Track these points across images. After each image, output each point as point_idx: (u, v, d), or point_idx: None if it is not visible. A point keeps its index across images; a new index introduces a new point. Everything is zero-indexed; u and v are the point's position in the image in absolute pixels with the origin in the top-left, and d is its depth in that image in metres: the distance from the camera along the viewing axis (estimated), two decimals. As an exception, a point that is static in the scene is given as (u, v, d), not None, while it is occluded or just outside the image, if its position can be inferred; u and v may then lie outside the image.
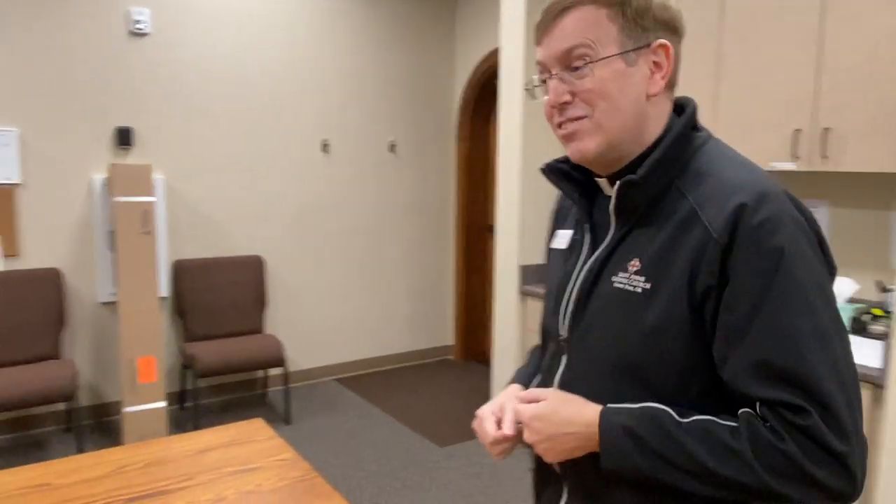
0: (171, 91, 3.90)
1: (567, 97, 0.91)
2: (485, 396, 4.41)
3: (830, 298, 0.84)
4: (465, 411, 4.17)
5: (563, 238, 1.09)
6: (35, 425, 3.71)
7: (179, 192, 3.98)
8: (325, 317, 4.62)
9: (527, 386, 1.13)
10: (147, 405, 3.46)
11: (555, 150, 3.49)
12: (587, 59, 0.89)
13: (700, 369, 0.87)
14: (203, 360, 3.62)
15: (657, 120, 0.93)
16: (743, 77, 2.72)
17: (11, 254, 3.57)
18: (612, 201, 0.94)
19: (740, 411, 0.84)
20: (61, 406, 3.75)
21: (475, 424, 1.06)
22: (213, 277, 4.05)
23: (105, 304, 3.85)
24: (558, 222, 1.14)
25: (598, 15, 0.88)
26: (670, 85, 0.93)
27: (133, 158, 3.85)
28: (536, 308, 3.44)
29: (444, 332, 5.25)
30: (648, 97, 0.91)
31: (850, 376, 0.82)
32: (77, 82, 3.64)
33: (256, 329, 4.17)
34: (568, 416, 0.93)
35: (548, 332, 1.08)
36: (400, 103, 4.77)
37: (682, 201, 0.89)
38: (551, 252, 1.12)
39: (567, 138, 0.94)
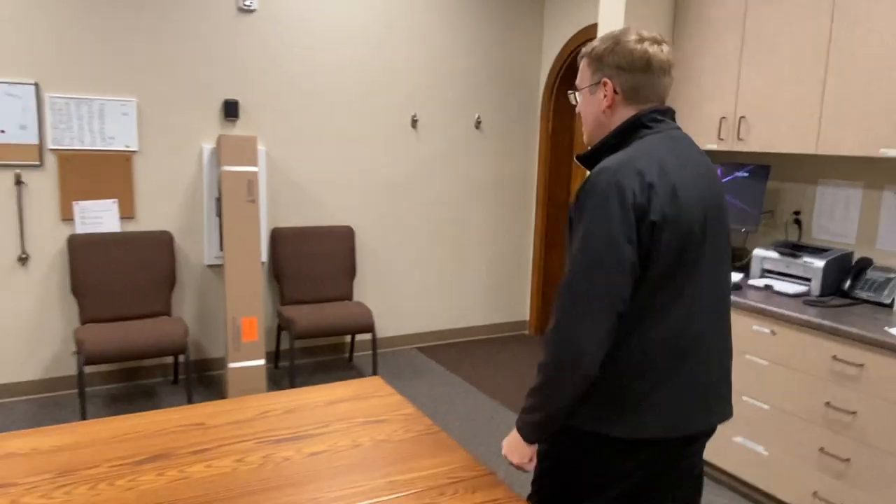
0: (274, 66, 4.14)
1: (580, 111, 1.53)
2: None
3: (596, 238, 1.30)
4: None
5: None
6: (145, 376, 4.07)
7: (279, 162, 4.24)
8: (408, 287, 4.84)
9: None
10: (249, 362, 3.75)
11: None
12: (575, 89, 1.53)
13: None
14: (299, 323, 3.89)
15: (616, 123, 1.47)
16: (851, 64, 2.74)
17: (128, 215, 3.89)
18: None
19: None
20: (169, 359, 4.09)
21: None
22: (307, 245, 4.30)
23: (211, 266, 4.16)
24: None
25: (584, 64, 1.50)
26: (625, 100, 1.46)
27: (239, 130, 4.11)
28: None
29: (521, 307, 5.40)
30: (603, 111, 1.48)
31: (583, 281, 1.30)
32: (189, 57, 3.91)
33: (346, 296, 4.42)
34: (512, 443, 1.50)
35: None
36: (487, 81, 4.89)
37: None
38: None
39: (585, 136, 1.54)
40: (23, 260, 3.69)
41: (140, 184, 3.91)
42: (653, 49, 1.43)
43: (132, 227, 3.92)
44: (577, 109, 1.54)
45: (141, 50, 3.79)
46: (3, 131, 3.51)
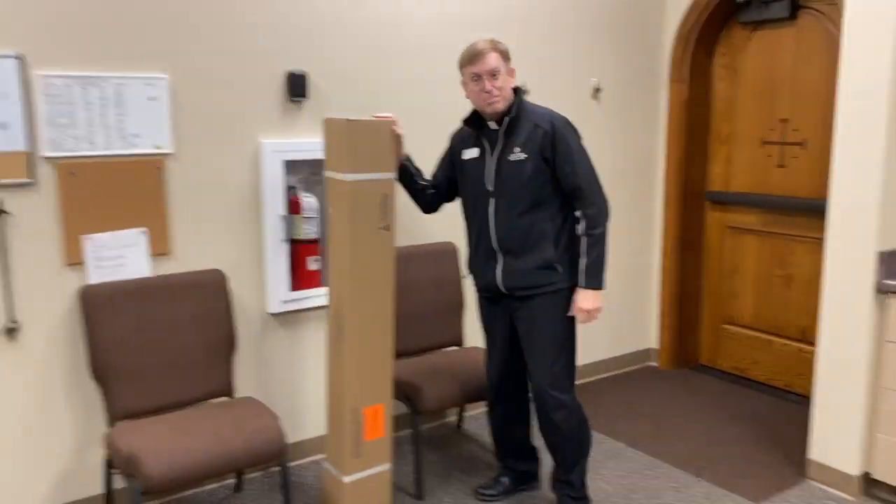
0: (354, 25, 3.13)
1: (493, 90, 2.52)
2: (739, 417, 3.71)
3: (585, 151, 2.58)
4: (736, 444, 3.47)
5: (472, 152, 2.69)
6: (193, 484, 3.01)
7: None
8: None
9: (411, 168, 2.80)
10: (372, 469, 2.76)
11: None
12: (499, 72, 2.53)
13: (549, 180, 2.56)
14: (428, 393, 2.92)
15: (511, 95, 2.58)
16: None
17: (162, 251, 2.84)
18: (502, 129, 2.58)
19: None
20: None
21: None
22: (406, 274, 3.31)
23: (277, 315, 3.13)
24: (463, 147, 2.73)
25: (498, 57, 2.54)
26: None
27: (307, 114, 3.09)
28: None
29: (643, 333, 4.54)
30: (510, 86, 2.57)
31: (595, 178, 2.57)
32: (239, 14, 2.87)
33: (456, 339, 3.45)
34: (590, 297, 2.59)
35: (474, 192, 2.69)
36: (603, 37, 3.97)
37: (528, 123, 2.56)
38: (466, 161, 2.71)
39: (491, 104, 2.54)
40: (10, 332, 2.60)
41: (177, 203, 2.85)
42: None
43: (169, 267, 2.87)
44: (495, 86, 2.52)
45: (172, 4, 2.73)
46: (-29, 133, 2.42)
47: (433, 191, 2.83)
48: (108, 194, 2.69)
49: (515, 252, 2.61)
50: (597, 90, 4.02)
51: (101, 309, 2.64)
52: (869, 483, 2.99)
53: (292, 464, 3.19)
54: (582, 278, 2.57)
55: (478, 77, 2.53)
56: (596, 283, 2.57)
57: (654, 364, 4.58)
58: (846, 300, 2.89)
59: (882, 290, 2.80)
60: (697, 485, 3.09)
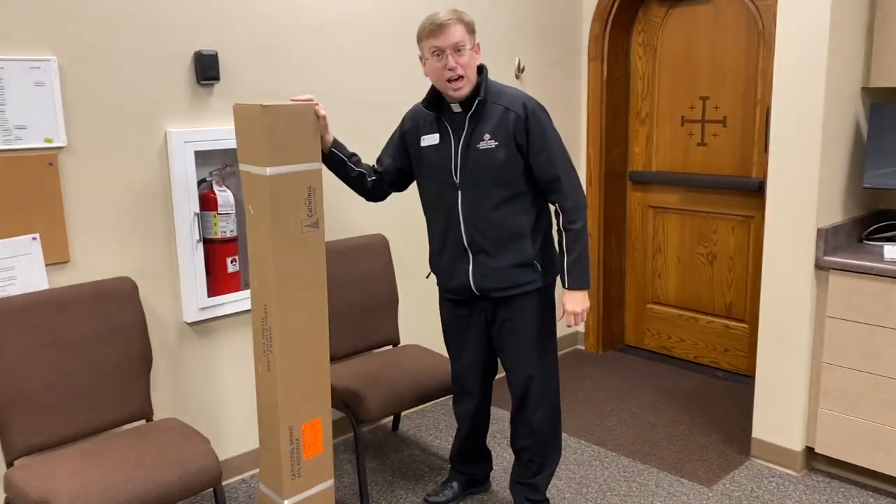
0: (267, 4, 2.86)
1: (458, 66, 2.25)
2: (671, 397, 3.73)
3: (559, 137, 2.36)
4: (675, 425, 3.47)
5: (431, 138, 2.42)
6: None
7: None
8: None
9: (341, 154, 2.49)
10: (312, 489, 2.54)
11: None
12: (464, 47, 2.25)
13: (526, 173, 2.34)
14: (370, 399, 2.72)
15: (475, 75, 2.32)
16: None
17: (60, 259, 2.50)
18: (469, 112, 2.33)
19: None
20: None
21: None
22: (333, 272, 3.09)
23: (194, 324, 2.84)
24: (420, 132, 2.45)
25: (464, 29, 2.26)
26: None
27: (217, 99, 2.80)
28: (843, 288, 2.76)
29: (572, 314, 4.48)
30: (475, 63, 2.32)
31: (572, 168, 2.37)
32: (141, -20, 2.55)
33: (392, 338, 3.27)
34: (578, 298, 2.39)
35: (437, 183, 2.43)
36: (525, 15, 3.86)
37: (497, 106, 2.32)
38: (425, 148, 2.44)
39: (456, 88, 2.28)
40: None
41: (75, 203, 2.51)
42: None
43: (69, 277, 2.53)
44: (460, 62, 2.25)
45: (58, -31, 2.38)
46: None
47: (375, 178, 2.56)
48: (-9, 197, 2.33)
49: (489, 251, 2.38)
50: (521, 69, 3.90)
51: (-10, 330, 2.28)
52: (811, 457, 3.04)
53: (220, 486, 2.92)
54: (566, 278, 2.38)
55: (439, 52, 2.25)
56: (582, 281, 2.37)
57: (581, 347, 4.55)
58: (786, 277, 2.91)
59: (821, 267, 2.83)
60: (646, 472, 3.06)
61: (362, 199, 3.21)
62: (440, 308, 2.64)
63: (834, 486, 2.91)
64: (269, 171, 2.27)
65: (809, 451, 3.02)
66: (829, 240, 2.83)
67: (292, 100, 2.34)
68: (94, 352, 2.46)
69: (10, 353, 2.29)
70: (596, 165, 4.26)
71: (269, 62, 2.92)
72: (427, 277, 2.70)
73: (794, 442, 3.00)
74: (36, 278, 2.44)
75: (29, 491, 2.09)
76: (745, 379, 3.98)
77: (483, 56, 3.60)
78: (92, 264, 2.56)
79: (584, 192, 2.41)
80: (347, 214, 3.25)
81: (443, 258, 2.49)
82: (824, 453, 2.94)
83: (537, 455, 2.57)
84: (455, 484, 2.84)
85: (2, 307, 2.31)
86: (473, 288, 2.44)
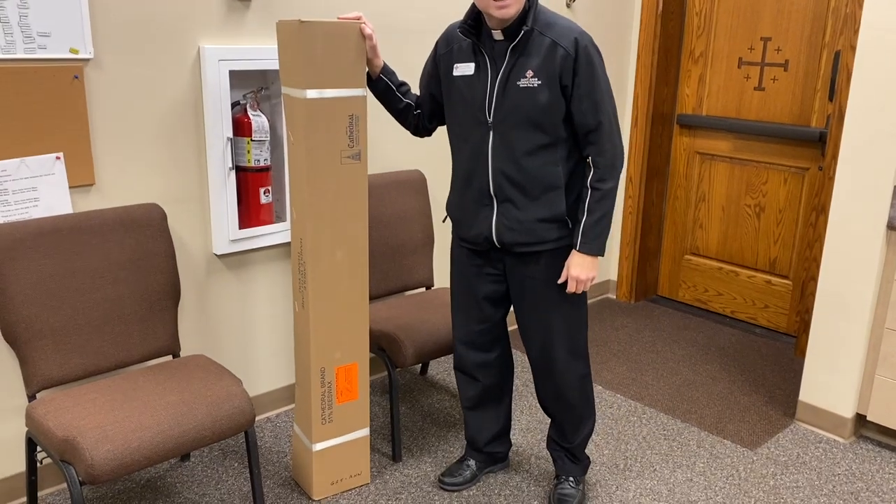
0: None
1: None
2: (709, 353, 3.60)
3: (609, 83, 2.06)
4: (714, 383, 3.35)
5: (466, 67, 2.11)
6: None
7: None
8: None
9: (389, 82, 2.25)
10: (346, 436, 2.44)
11: None
12: None
13: (565, 117, 2.05)
14: (408, 343, 2.59)
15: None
16: None
17: (85, 181, 2.33)
18: (513, 42, 2.02)
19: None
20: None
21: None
22: (372, 208, 2.92)
23: (223, 256, 2.69)
24: (454, 59, 2.14)
25: None
26: None
27: (254, 16, 2.58)
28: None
29: (604, 263, 4.33)
30: None
31: (616, 120, 2.08)
32: None
33: (426, 281, 3.12)
34: (587, 265, 2.12)
35: (467, 119, 2.13)
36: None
37: (544, 39, 2.00)
38: (458, 78, 2.13)
39: (501, 7, 1.93)
40: None
41: (101, 121, 2.33)
42: None
43: (94, 201, 2.36)
44: None
45: None
46: None
47: (419, 111, 2.32)
48: (11, 110, 2.15)
49: (517, 200, 2.11)
50: (570, -2, 3.64)
51: (11, 255, 2.13)
52: (861, 425, 2.92)
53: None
54: (580, 239, 2.10)
55: None
56: (596, 247, 2.10)
57: (611, 296, 4.41)
58: (853, 235, 2.73)
59: (895, 227, 2.64)
60: (687, 431, 2.94)
61: (400, 131, 3.05)
62: (451, 254, 2.36)
63: (885, 455, 2.79)
64: (308, 93, 2.09)
65: (860, 418, 2.89)
66: (906, 199, 2.64)
67: (339, 18, 2.13)
68: (120, 282, 2.31)
69: (31, 280, 2.15)
70: (643, 105, 4.03)
71: (311, -24, 2.68)
72: (444, 221, 2.52)
73: (845, 408, 2.87)
74: (59, 201, 2.28)
75: (53, 427, 1.97)
76: (784, 337, 3.84)
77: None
78: (118, 188, 2.40)
79: (625, 151, 2.14)
80: (384, 147, 3.06)
81: (464, 203, 2.22)
82: (876, 421, 2.82)
83: (569, 421, 2.38)
84: (472, 462, 2.56)
85: (23, 231, 2.16)
86: (495, 240, 2.17)
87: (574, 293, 2.19)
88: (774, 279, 3.88)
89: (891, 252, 2.69)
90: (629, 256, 4.26)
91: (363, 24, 2.10)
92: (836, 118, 3.30)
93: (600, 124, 2.04)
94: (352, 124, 2.21)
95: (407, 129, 2.36)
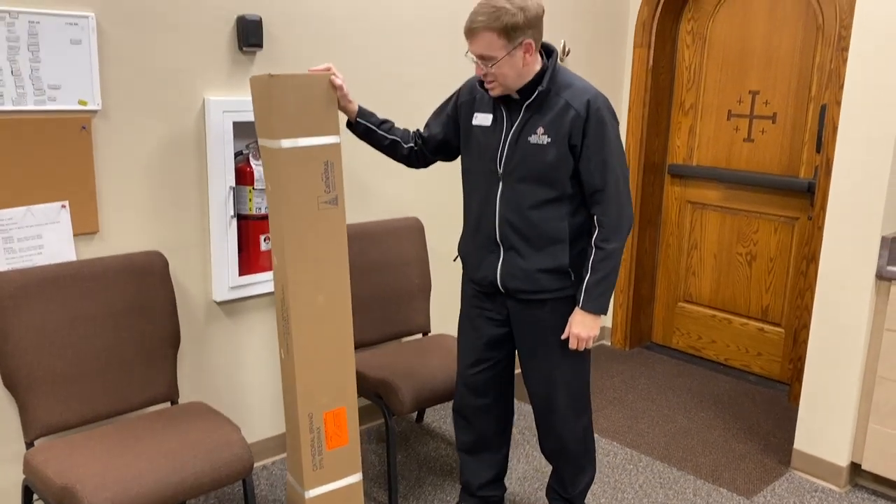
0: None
1: (489, 73, 2.05)
2: (704, 401, 3.61)
3: (621, 146, 2.13)
4: (709, 430, 3.36)
5: (484, 118, 2.21)
6: None
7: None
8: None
9: (369, 123, 2.30)
10: (338, 482, 2.42)
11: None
12: (494, 59, 2.02)
13: (572, 174, 2.11)
14: (404, 391, 2.60)
15: (534, 67, 2.09)
16: None
17: (88, 230, 2.37)
18: (527, 101, 2.10)
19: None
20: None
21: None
22: (365, 255, 2.96)
23: (222, 303, 2.71)
24: (475, 108, 2.23)
25: (495, 36, 1.99)
26: (537, 49, 2.09)
27: (259, 67, 2.65)
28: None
29: (600, 309, 4.36)
30: (524, 66, 2.05)
31: (625, 182, 2.13)
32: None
33: (422, 327, 3.14)
34: (589, 323, 2.17)
35: (480, 167, 2.23)
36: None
37: (559, 99, 2.08)
38: (476, 127, 2.22)
39: (489, 89, 2.11)
40: None
41: (106, 170, 2.37)
42: (538, 3, 2.04)
43: (97, 248, 2.40)
44: (491, 72, 2.04)
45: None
46: None
47: (416, 144, 2.36)
48: (20, 159, 2.19)
49: (521, 250, 2.18)
50: (566, 52, 3.74)
51: (14, 302, 2.16)
52: (856, 473, 2.92)
53: (242, 473, 2.80)
54: (583, 297, 2.15)
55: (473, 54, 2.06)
56: (599, 306, 2.15)
57: (606, 343, 4.43)
58: (843, 285, 2.78)
59: (884, 277, 2.69)
60: (683, 479, 2.94)
61: (398, 179, 3.11)
62: (462, 294, 2.43)
63: (880, 504, 2.80)
64: (283, 143, 2.14)
65: (854, 466, 2.90)
66: (894, 249, 2.69)
67: (310, 70, 2.20)
68: (121, 329, 2.33)
69: (33, 326, 2.17)
70: (635, 156, 4.11)
71: (315, 33, 2.76)
72: (454, 261, 2.56)
73: (840, 456, 2.88)
74: (63, 249, 2.31)
75: (51, 475, 1.97)
76: (778, 385, 3.86)
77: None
78: (121, 236, 2.43)
79: (632, 213, 2.16)
80: (382, 195, 3.11)
81: (473, 246, 2.30)
82: (871, 470, 2.83)
83: (568, 471, 2.40)
84: None
85: (28, 278, 2.18)
86: (499, 285, 2.24)
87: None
88: (767, 327, 3.92)
89: (880, 301, 2.74)
90: (623, 304, 4.30)
91: (333, 75, 2.16)
92: (824, 169, 3.38)
93: (606, 185, 2.09)
94: (327, 170, 2.24)
95: (400, 162, 2.41)
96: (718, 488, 2.88)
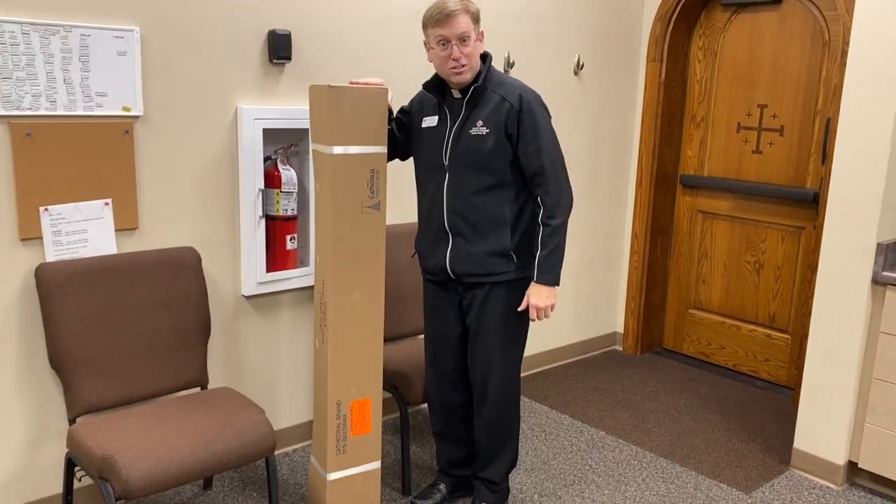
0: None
1: (462, 57, 2.28)
2: (711, 403, 3.72)
3: (554, 134, 2.37)
4: (714, 431, 3.47)
5: (431, 120, 2.45)
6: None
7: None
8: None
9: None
10: (358, 468, 2.58)
11: None
12: (469, 37, 2.27)
13: (511, 161, 2.35)
14: (418, 382, 2.75)
15: (479, 63, 2.35)
16: None
17: (129, 225, 2.56)
18: (466, 98, 2.36)
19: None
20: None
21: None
22: (398, 254, 3.12)
23: (251, 297, 2.89)
24: (423, 114, 2.48)
25: (470, 19, 2.27)
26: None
27: (288, 78, 2.84)
28: (903, 305, 2.74)
29: (610, 316, 4.50)
30: (479, 53, 2.35)
31: (561, 164, 2.37)
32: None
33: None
34: (544, 294, 2.39)
35: (428, 164, 2.47)
36: (586, 11, 3.86)
37: (494, 95, 2.34)
38: (424, 129, 2.47)
39: (458, 74, 2.30)
40: (-46, 315, 2.29)
41: (146, 172, 2.57)
42: None
43: (136, 243, 2.59)
44: (465, 53, 2.27)
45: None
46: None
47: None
48: (69, 160, 2.39)
49: (467, 235, 2.40)
50: (580, 66, 3.90)
51: (61, 290, 2.35)
52: (853, 472, 3.02)
53: (266, 458, 2.97)
54: (536, 271, 2.38)
55: (445, 41, 2.26)
56: (551, 278, 2.37)
57: (618, 348, 4.55)
58: (841, 290, 2.89)
59: (880, 282, 2.80)
60: (685, 475, 3.06)
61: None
62: (423, 289, 2.65)
63: (876, 502, 2.89)
64: (335, 149, 2.32)
65: (851, 465, 3.00)
66: (889, 255, 2.80)
67: (364, 81, 2.38)
68: (156, 318, 2.52)
69: (77, 313, 2.36)
70: (647, 166, 4.24)
71: (342, 47, 2.95)
72: (412, 257, 2.74)
73: (837, 455, 2.98)
74: (106, 243, 2.50)
75: (92, 447, 2.15)
76: (784, 390, 3.96)
77: (543, 51, 3.63)
78: (158, 232, 2.62)
79: (571, 191, 2.39)
80: (409, 199, 3.28)
81: (426, 238, 2.52)
82: (867, 469, 2.92)
83: (490, 448, 2.59)
84: (443, 486, 2.77)
85: (73, 269, 2.38)
86: (449, 270, 2.45)
87: (517, 332, 2.50)
88: (774, 333, 4.02)
89: (876, 305, 2.84)
90: (635, 310, 4.42)
91: (387, 90, 2.35)
92: (829, 180, 3.49)
93: (544, 167, 2.33)
94: (373, 178, 2.43)
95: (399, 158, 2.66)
96: (719, 484, 2.99)
